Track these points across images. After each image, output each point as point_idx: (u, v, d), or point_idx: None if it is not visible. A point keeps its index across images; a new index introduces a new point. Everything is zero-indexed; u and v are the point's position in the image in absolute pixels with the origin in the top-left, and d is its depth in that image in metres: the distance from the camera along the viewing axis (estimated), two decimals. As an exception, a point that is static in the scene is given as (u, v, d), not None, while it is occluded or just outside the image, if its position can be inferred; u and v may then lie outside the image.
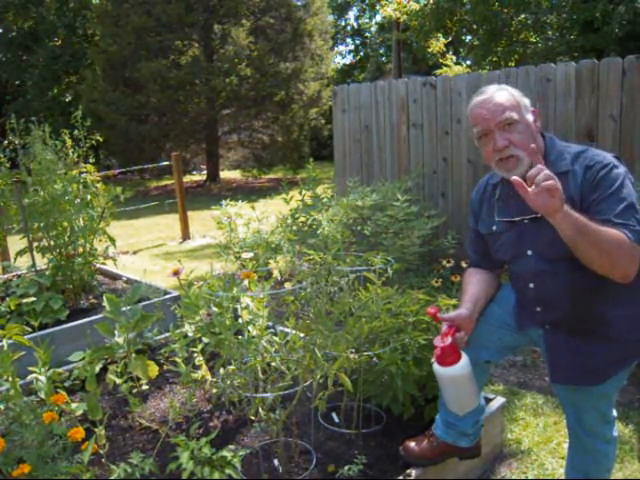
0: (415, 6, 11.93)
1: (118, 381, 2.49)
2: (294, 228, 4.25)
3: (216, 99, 13.83)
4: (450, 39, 12.85)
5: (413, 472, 1.97)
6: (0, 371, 2.01)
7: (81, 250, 3.95)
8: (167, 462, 1.90)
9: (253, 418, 2.31)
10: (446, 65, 13.45)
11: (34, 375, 2.11)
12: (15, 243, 4.46)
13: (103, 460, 2.01)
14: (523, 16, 10.46)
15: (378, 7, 16.96)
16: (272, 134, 15.19)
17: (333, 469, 2.09)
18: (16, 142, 3.92)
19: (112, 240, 4.07)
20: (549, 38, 10.19)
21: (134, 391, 2.65)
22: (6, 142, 3.98)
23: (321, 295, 1.97)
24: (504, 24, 10.41)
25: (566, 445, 2.03)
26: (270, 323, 2.13)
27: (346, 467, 2.03)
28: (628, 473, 2.29)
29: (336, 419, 2.41)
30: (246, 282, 2.07)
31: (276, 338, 2.04)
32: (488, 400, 2.40)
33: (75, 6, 18.58)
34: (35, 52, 17.68)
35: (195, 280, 2.18)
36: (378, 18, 28.45)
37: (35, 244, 4.01)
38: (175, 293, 3.70)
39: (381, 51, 29.25)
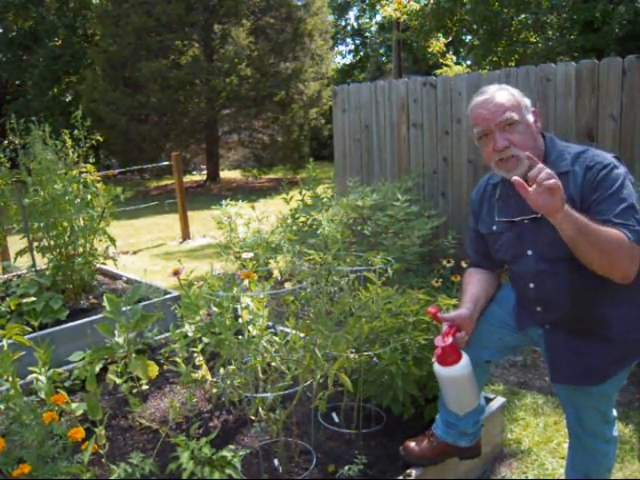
0: (415, 6, 11.93)
1: (118, 381, 2.49)
2: (294, 228, 4.25)
3: (216, 99, 13.82)
4: (450, 39, 12.86)
5: (413, 472, 1.97)
6: (0, 371, 2.01)
7: (81, 250, 3.95)
8: (167, 462, 1.90)
9: (253, 418, 2.31)
10: (446, 65, 13.46)
11: (34, 375, 2.11)
12: (15, 243, 4.46)
13: (103, 460, 2.01)
14: (523, 16, 10.47)
15: (378, 7, 16.95)
16: (272, 134, 15.18)
17: (333, 469, 2.09)
18: (16, 142, 3.92)
19: (112, 240, 4.07)
20: (549, 38, 10.19)
21: (134, 391, 2.65)
22: (6, 142, 3.98)
23: (321, 295, 1.97)
24: (504, 24, 10.41)
25: (566, 445, 2.04)
26: (270, 323, 2.13)
27: (346, 467, 2.03)
28: (628, 473, 2.29)
29: (336, 419, 2.41)
30: (246, 282, 2.07)
31: (276, 338, 2.04)
32: (488, 400, 2.40)
33: (75, 6, 18.57)
34: (35, 52, 17.68)
35: (195, 280, 2.18)
36: (378, 18, 28.44)
37: (35, 244, 4.01)
38: (175, 293, 3.70)
39: (381, 51, 29.25)
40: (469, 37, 12.86)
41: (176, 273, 2.04)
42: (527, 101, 1.74)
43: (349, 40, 31.83)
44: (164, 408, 2.60)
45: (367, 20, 30.68)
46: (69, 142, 4.01)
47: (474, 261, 1.99)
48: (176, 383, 2.83)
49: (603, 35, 8.89)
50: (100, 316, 3.19)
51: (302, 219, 4.30)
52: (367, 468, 2.07)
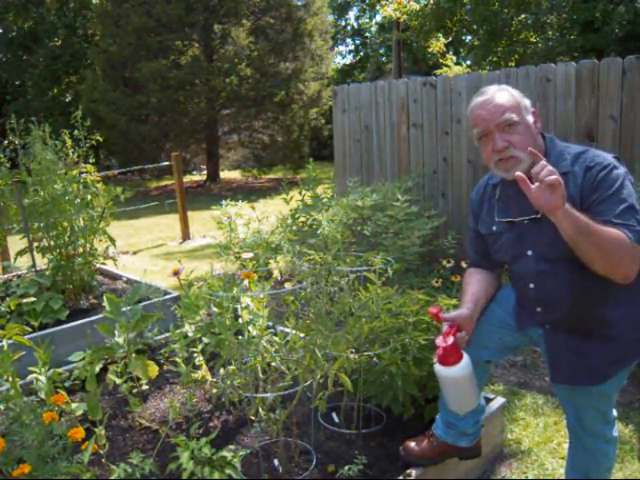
0: (415, 6, 11.94)
1: (118, 381, 2.49)
2: (294, 228, 4.25)
3: (216, 99, 13.83)
4: (450, 39, 12.87)
5: (413, 472, 1.97)
6: (0, 371, 2.01)
7: (81, 250, 3.95)
8: (167, 462, 1.90)
9: (253, 418, 2.31)
10: (446, 65, 13.47)
11: (34, 375, 2.11)
12: (15, 243, 4.46)
13: (103, 460, 2.01)
14: (523, 16, 10.48)
15: (378, 7, 16.96)
16: (272, 134, 15.19)
17: (333, 469, 2.09)
18: (16, 142, 3.92)
19: (112, 240, 4.07)
20: (549, 38, 10.20)
21: (134, 391, 2.65)
22: (6, 142, 3.98)
23: (321, 295, 1.97)
24: (504, 24, 10.42)
25: (566, 445, 2.04)
26: (270, 323, 2.13)
27: (346, 467, 2.03)
28: (628, 473, 2.29)
29: (336, 419, 2.41)
30: (246, 282, 2.07)
31: (276, 338, 2.04)
32: (488, 400, 2.40)
33: (75, 6, 18.58)
34: (35, 52, 17.68)
35: (195, 280, 2.18)
36: (378, 18, 28.48)
37: (35, 244, 4.02)
38: (175, 293, 3.70)
39: (381, 51, 29.24)
40: (469, 37, 12.87)
41: (176, 273, 2.04)
42: (527, 102, 1.74)
43: (349, 40, 31.86)
44: (164, 408, 2.60)
45: (367, 20, 30.72)
46: (69, 142, 4.01)
47: (474, 261, 1.99)
48: (176, 383, 2.83)
49: (603, 35, 8.90)
50: (100, 316, 3.19)
51: (302, 219, 4.30)
52: (367, 468, 2.07)
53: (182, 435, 1.94)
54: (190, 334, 2.27)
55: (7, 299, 3.53)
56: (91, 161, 4.11)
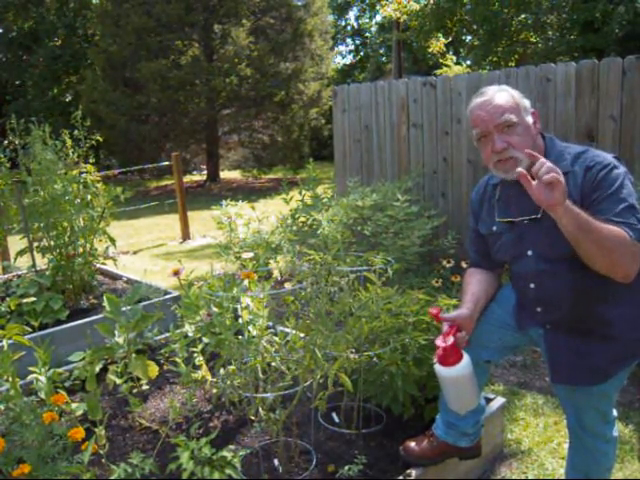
0: (415, 6, 11.95)
1: (118, 381, 2.49)
2: (294, 228, 4.25)
3: (216, 99, 13.82)
4: (450, 39, 12.87)
5: (413, 472, 1.97)
6: (0, 371, 2.01)
7: (81, 250, 3.95)
8: (167, 462, 1.90)
9: (253, 418, 2.31)
10: (446, 65, 13.48)
11: (34, 375, 2.11)
12: (15, 243, 4.46)
13: (103, 460, 2.01)
14: (523, 16, 10.49)
15: (378, 7, 16.96)
16: (272, 134, 15.18)
17: (333, 469, 2.09)
18: (16, 142, 3.92)
19: (112, 240, 4.07)
20: (549, 38, 10.21)
21: (134, 391, 2.65)
22: (6, 142, 3.98)
23: (321, 295, 1.97)
24: (504, 24, 10.43)
25: (566, 445, 2.04)
26: (270, 323, 2.13)
27: (346, 467, 2.03)
28: (628, 473, 2.29)
29: (336, 419, 2.41)
30: (246, 282, 2.07)
31: (276, 338, 2.04)
32: (488, 400, 2.40)
33: (75, 6, 18.58)
34: (35, 52, 17.69)
35: (195, 280, 2.19)
36: (378, 18, 28.47)
37: (35, 244, 4.02)
38: (175, 293, 3.70)
39: (381, 51, 29.25)
40: (469, 37, 12.87)
41: (176, 273, 2.04)
42: (526, 102, 1.74)
43: (349, 40, 31.86)
44: (164, 408, 2.60)
45: (367, 20, 30.72)
46: (69, 142, 4.02)
47: (474, 261, 1.99)
48: (176, 383, 2.83)
49: (603, 35, 8.90)
50: (100, 316, 3.19)
51: (302, 219, 4.30)
52: (367, 468, 2.07)
53: (182, 435, 1.94)
54: (190, 334, 2.27)
55: (7, 299, 3.53)
56: (91, 161, 4.11)
